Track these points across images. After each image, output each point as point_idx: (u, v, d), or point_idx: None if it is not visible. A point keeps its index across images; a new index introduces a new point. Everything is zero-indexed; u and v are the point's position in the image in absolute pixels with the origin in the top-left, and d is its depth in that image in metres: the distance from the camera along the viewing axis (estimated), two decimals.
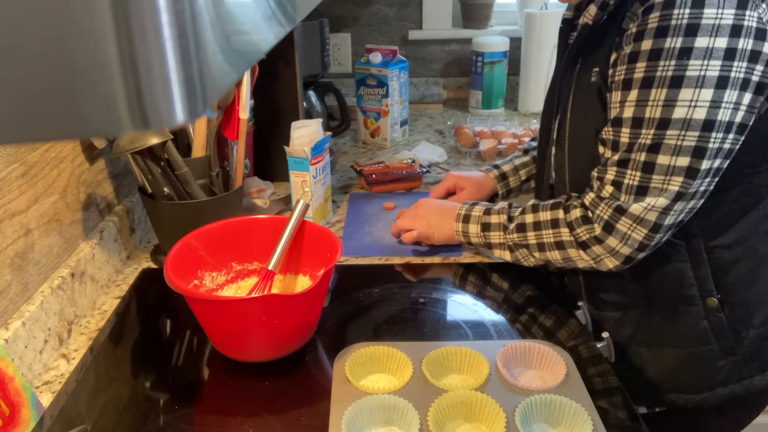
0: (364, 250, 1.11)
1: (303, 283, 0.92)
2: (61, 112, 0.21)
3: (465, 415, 0.71)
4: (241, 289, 0.92)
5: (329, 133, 1.19)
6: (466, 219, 1.02)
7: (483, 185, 1.20)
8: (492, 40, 1.88)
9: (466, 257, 1.07)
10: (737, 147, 0.81)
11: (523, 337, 0.86)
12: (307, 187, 1.13)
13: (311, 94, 1.56)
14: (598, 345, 0.86)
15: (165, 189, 0.99)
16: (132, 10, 0.19)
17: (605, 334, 0.94)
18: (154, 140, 0.94)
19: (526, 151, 1.24)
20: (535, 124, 1.74)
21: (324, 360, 0.83)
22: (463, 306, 0.95)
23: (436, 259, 1.07)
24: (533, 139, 1.26)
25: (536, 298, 0.96)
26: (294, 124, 1.14)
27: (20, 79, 0.20)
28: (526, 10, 1.89)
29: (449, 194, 1.22)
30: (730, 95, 0.76)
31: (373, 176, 1.37)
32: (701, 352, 0.94)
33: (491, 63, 1.87)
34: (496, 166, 1.23)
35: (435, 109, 2.02)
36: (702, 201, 0.84)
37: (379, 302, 0.95)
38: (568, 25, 1.00)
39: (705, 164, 0.80)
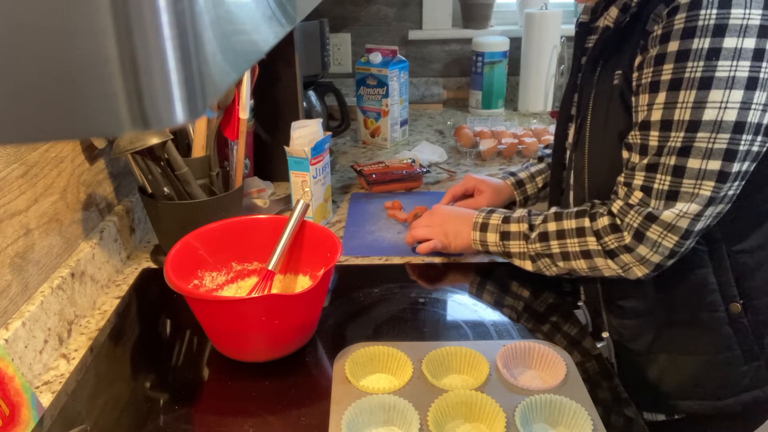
0: (365, 250, 1.11)
1: (303, 283, 0.92)
2: (61, 112, 0.21)
3: (465, 415, 0.71)
4: (241, 289, 0.92)
5: (329, 133, 1.19)
6: (484, 227, 1.00)
7: (501, 191, 1.19)
8: (492, 40, 1.88)
9: (467, 257, 1.07)
10: (764, 149, 0.80)
11: (523, 337, 0.86)
12: (307, 187, 1.13)
13: (311, 94, 1.56)
14: (598, 345, 0.86)
15: (165, 189, 0.99)
16: (132, 9, 0.19)
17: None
18: (154, 140, 0.94)
19: (540, 159, 1.23)
20: (535, 125, 1.74)
21: (324, 360, 0.83)
22: (463, 306, 0.95)
23: (436, 259, 1.07)
24: (547, 147, 1.24)
25: (536, 298, 0.96)
26: (294, 124, 1.14)
27: (20, 79, 0.20)
28: (526, 10, 1.89)
29: (466, 196, 1.20)
30: (759, 96, 0.75)
31: (373, 176, 1.37)
32: (723, 359, 0.92)
33: (491, 63, 1.88)
34: (513, 174, 1.21)
35: (435, 109, 2.03)
36: (728, 205, 0.83)
37: (379, 302, 0.95)
38: (584, 29, 0.98)
39: (735, 167, 0.78)
